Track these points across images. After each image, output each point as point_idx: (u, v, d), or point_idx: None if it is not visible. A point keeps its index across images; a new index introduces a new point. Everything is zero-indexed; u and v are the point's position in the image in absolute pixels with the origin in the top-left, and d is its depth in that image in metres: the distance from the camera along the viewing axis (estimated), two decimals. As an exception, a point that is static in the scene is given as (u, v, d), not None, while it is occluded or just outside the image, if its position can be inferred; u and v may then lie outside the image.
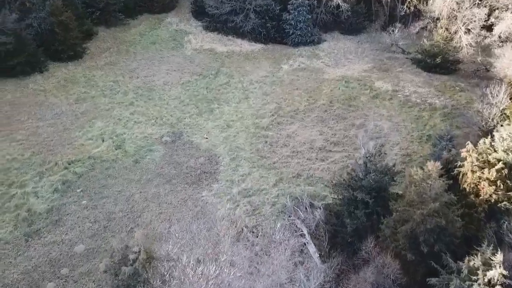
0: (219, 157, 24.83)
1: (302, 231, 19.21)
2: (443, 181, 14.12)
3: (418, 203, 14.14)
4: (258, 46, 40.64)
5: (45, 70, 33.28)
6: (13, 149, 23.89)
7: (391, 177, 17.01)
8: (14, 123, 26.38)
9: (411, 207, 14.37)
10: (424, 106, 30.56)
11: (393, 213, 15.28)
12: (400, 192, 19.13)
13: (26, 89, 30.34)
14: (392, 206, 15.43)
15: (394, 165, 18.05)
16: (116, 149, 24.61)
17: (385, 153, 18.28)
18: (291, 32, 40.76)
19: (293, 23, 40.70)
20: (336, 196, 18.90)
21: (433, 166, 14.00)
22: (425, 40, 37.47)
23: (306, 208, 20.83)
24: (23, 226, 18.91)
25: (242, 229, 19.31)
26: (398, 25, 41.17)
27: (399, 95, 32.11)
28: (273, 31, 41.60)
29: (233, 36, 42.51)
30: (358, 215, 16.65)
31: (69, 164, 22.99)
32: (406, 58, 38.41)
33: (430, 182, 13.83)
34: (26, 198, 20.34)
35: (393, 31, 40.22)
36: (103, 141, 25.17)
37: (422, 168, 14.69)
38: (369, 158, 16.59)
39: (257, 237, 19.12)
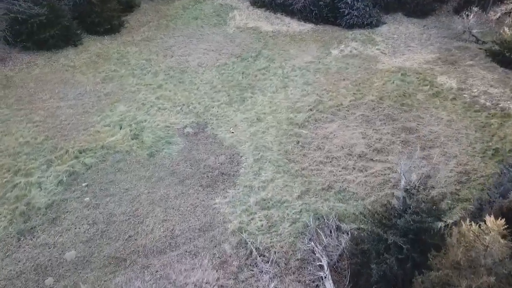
0: (241, 156, 22.09)
1: (321, 261, 16.26)
2: (506, 243, 10.34)
3: (466, 268, 10.61)
4: (308, 27, 36.72)
5: (79, 44, 31.93)
6: (27, 131, 22.73)
7: (437, 217, 13.40)
8: (36, 101, 25.31)
9: (455, 270, 10.87)
10: (495, 111, 25.50)
11: (432, 270, 11.87)
12: (450, 221, 15.51)
13: (55, 64, 29.23)
14: (431, 260, 11.97)
15: (443, 199, 14.29)
16: (132, 139, 22.66)
17: (433, 187, 14.55)
18: (346, 12, 36.23)
19: (350, 2, 36.10)
20: (363, 227, 15.65)
21: (493, 224, 10.22)
22: (506, 29, 31.45)
23: (331, 232, 17.76)
24: (19, 222, 17.62)
25: (251, 252, 16.71)
26: (475, 8, 35.16)
27: (464, 95, 27.16)
28: (326, 10, 37.26)
29: (282, 14, 38.89)
30: (387, 260, 13.38)
31: (80, 153, 21.42)
32: (480, 49, 32.65)
33: (487, 244, 10.18)
34: (29, 189, 19.00)
35: (467, 15, 34.40)
36: (120, 128, 23.31)
37: (477, 223, 10.92)
38: (410, 191, 13.09)
39: (268, 262, 16.47)
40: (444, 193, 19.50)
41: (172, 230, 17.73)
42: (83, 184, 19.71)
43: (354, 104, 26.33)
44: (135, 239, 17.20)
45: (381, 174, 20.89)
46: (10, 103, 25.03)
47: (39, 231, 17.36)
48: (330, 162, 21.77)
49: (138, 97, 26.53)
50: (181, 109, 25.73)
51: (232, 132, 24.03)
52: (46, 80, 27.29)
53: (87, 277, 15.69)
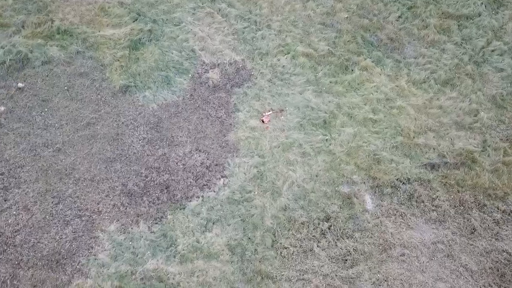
0: (226, 175, 12.42)
1: None
2: None
3: None
4: None
5: None
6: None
7: None
8: None
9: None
10: None
11: None
12: None
13: None
14: None
15: None
16: (132, 48, 14.59)
17: None
18: None
19: None
20: None
21: None
22: None
23: None
24: None
25: None
26: None
27: None
28: None
29: None
30: None
31: (59, 33, 14.97)
32: None
33: None
34: None
35: None
36: (135, 20, 15.24)
37: None
38: None
39: None
40: None
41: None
42: (19, 84, 14.21)
43: None
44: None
45: None
46: None
47: None
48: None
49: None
50: (257, 28, 15.19)
51: (263, 121, 13.55)
52: None
53: None
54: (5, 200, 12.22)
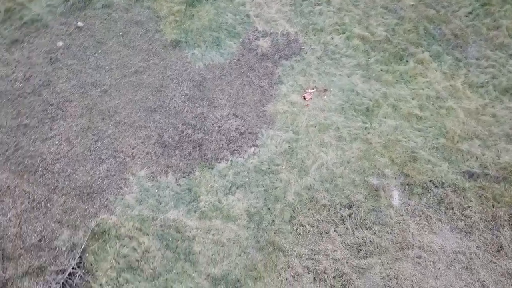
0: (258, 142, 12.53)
1: None
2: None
3: None
4: None
5: None
6: None
7: None
8: None
9: None
10: None
11: None
12: None
13: None
14: None
15: None
16: (188, 4, 14.77)
17: None
18: None
19: None
20: None
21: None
22: None
23: None
24: None
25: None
26: None
27: None
28: None
29: None
30: None
31: (124, -22, 15.32)
32: None
33: None
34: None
35: None
36: (198, -24, 15.24)
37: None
38: None
39: None
40: None
41: (54, 162, 12.68)
42: (78, 23, 14.77)
43: None
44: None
45: None
46: None
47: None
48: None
49: None
50: None
51: (304, 98, 13.38)
52: None
53: None
54: (50, 129, 13.05)
